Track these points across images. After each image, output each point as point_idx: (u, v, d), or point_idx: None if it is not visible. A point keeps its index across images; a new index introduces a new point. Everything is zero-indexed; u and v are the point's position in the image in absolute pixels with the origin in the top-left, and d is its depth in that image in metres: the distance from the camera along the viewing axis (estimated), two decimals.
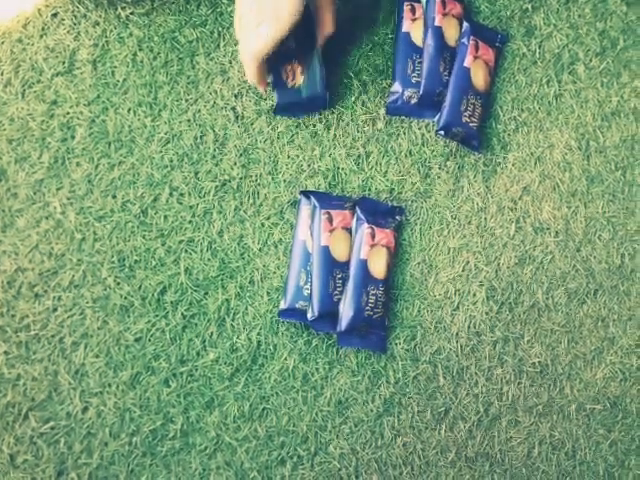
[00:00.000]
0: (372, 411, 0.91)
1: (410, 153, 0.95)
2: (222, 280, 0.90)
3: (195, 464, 0.87)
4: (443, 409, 0.92)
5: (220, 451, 0.88)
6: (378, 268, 0.89)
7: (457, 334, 0.93)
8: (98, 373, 0.87)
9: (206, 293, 0.90)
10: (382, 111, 0.96)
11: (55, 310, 0.87)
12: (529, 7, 1.00)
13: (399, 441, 0.91)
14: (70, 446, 0.86)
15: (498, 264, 0.95)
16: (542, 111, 0.98)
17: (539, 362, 0.94)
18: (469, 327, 0.93)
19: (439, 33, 0.94)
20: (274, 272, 0.91)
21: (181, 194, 0.91)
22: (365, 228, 0.89)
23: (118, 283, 0.88)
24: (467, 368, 0.93)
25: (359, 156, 0.94)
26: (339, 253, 0.89)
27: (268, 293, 0.90)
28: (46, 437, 0.86)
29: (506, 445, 0.92)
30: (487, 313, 0.94)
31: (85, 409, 0.86)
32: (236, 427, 0.88)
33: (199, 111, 0.93)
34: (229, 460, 0.88)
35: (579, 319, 0.95)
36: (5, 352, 0.86)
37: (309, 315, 0.87)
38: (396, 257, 0.93)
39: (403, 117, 0.96)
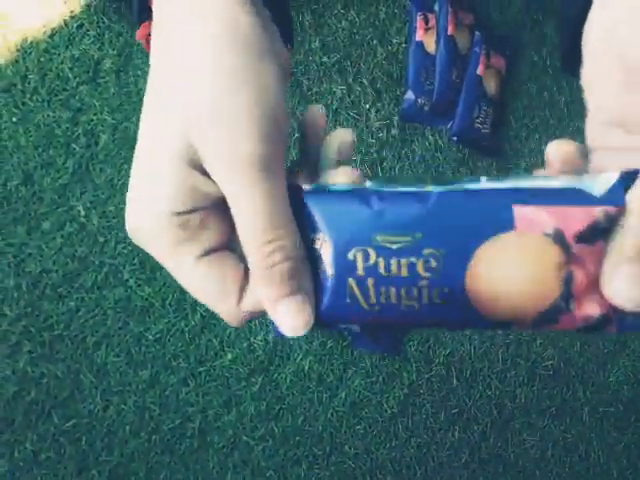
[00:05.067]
0: (386, 412, 0.92)
1: (424, 159, 0.98)
2: None
3: (213, 462, 0.89)
4: (457, 411, 0.93)
5: (237, 450, 0.89)
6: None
7: (470, 337, 0.94)
8: (119, 372, 0.89)
9: None
10: (396, 118, 0.98)
11: (78, 311, 0.90)
12: (540, 17, 1.03)
13: (413, 442, 0.92)
14: (91, 444, 0.88)
15: None
16: (554, 118, 1.00)
17: (552, 365, 0.95)
18: None
19: (452, 42, 0.97)
20: None
21: None
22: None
23: (139, 285, 0.91)
24: (480, 370, 0.94)
25: (373, 162, 0.97)
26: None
27: None
28: (68, 435, 0.88)
29: (519, 447, 0.93)
30: None
31: (106, 407, 0.89)
32: (253, 426, 0.90)
33: None
34: (246, 459, 0.89)
35: None
36: (29, 351, 0.89)
37: None
38: None
39: (417, 124, 0.98)
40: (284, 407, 0.90)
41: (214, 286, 0.25)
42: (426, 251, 0.23)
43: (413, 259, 0.23)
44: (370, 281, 0.24)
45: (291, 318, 0.24)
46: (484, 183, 0.24)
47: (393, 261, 0.23)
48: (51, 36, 0.95)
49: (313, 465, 0.90)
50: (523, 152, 0.99)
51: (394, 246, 0.24)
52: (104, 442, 0.88)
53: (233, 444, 0.89)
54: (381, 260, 0.24)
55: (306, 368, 0.91)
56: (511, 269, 0.23)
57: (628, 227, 0.23)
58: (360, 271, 0.24)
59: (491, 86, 0.97)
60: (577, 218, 0.23)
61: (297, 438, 0.90)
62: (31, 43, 0.95)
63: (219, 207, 0.24)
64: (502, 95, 1.00)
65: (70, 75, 0.94)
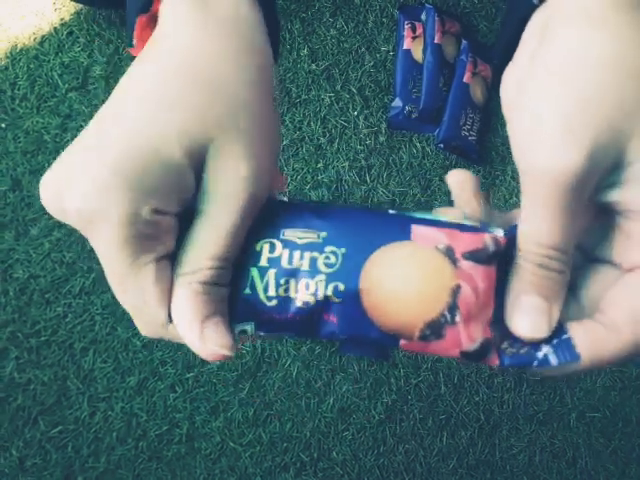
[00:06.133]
0: (374, 418, 0.92)
1: (411, 166, 0.98)
2: None
3: (200, 469, 0.89)
4: (444, 416, 0.93)
5: (224, 456, 0.89)
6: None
7: None
8: (106, 378, 0.89)
9: None
10: (384, 125, 0.99)
11: (65, 316, 0.90)
12: None
13: (401, 448, 0.92)
14: (78, 450, 0.88)
15: None
16: None
17: None
18: None
19: (439, 50, 0.98)
20: None
21: None
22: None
23: None
24: (468, 376, 0.94)
25: (361, 168, 0.97)
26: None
27: None
28: (54, 441, 0.87)
29: (507, 453, 0.93)
30: None
31: (93, 414, 0.88)
32: (240, 432, 0.90)
33: None
34: (233, 465, 0.89)
35: None
36: (16, 357, 0.88)
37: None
38: None
39: (404, 131, 0.99)
40: (272, 413, 0.90)
41: (155, 295, 0.24)
42: (328, 248, 0.25)
43: (315, 254, 0.25)
44: (271, 272, 0.25)
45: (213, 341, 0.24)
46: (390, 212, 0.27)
47: (296, 253, 0.25)
48: (41, 43, 0.96)
49: (301, 471, 0.90)
50: (510, 159, 1.00)
51: (300, 241, 0.25)
52: (91, 449, 0.88)
53: (220, 450, 0.89)
54: (285, 252, 0.25)
55: (294, 374, 0.91)
56: (402, 275, 0.24)
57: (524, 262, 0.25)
58: (264, 262, 0.25)
59: (478, 94, 0.98)
60: (467, 240, 0.25)
61: (285, 444, 0.90)
62: (21, 50, 0.95)
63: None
64: (489, 102, 1.01)
65: (59, 82, 0.95)
